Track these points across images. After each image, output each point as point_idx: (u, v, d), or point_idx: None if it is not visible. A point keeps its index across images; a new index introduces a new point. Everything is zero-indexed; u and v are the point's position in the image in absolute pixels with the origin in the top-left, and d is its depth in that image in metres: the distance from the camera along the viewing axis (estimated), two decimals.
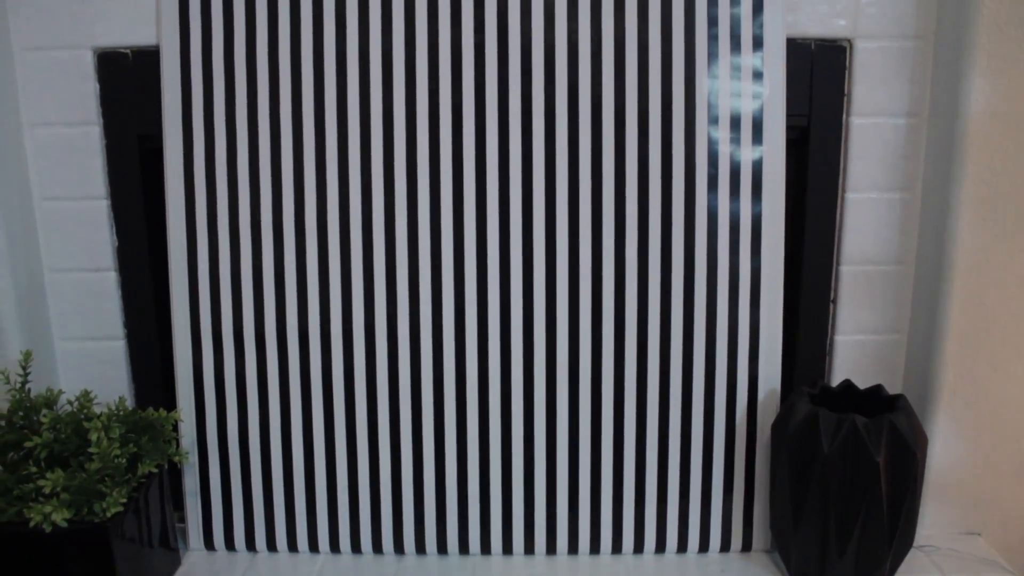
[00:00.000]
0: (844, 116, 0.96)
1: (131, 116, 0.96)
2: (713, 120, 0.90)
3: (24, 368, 0.89)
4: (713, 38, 0.90)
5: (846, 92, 0.95)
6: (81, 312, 1.00)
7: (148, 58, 0.94)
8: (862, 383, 0.96)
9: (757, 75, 0.90)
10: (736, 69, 0.90)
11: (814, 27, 0.94)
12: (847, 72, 0.95)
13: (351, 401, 0.95)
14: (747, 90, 0.91)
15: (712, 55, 0.90)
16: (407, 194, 0.91)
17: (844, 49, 0.94)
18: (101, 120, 0.97)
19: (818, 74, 0.94)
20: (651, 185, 0.91)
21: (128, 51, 0.95)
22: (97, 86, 0.96)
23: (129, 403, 1.01)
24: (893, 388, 1.01)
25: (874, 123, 0.96)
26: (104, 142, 0.97)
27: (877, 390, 0.92)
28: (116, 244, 0.99)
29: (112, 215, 0.98)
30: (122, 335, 1.01)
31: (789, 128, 0.93)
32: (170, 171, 0.93)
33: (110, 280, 1.00)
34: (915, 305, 0.99)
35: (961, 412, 0.96)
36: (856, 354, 1.01)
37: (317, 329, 0.93)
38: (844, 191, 0.97)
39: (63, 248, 0.99)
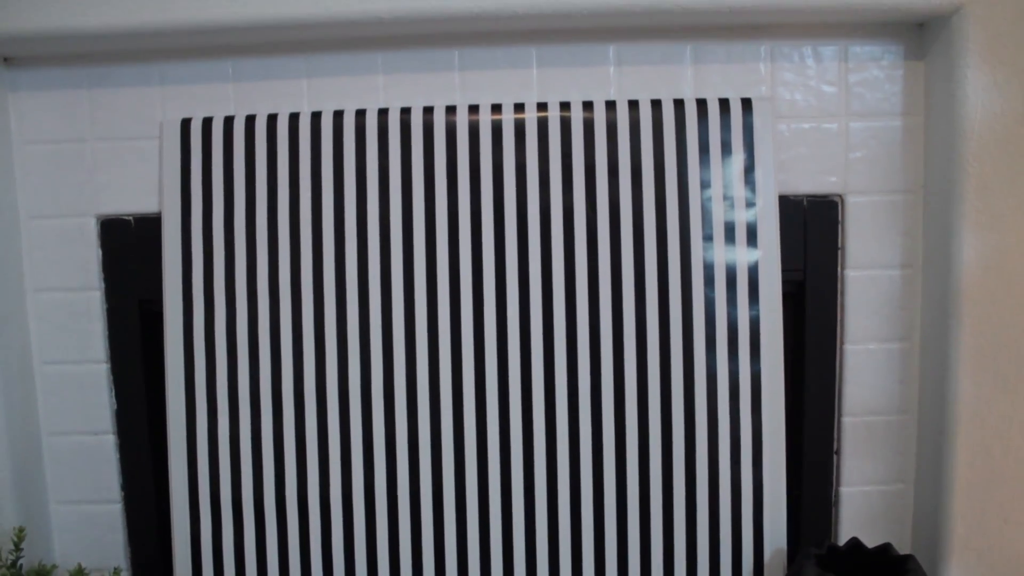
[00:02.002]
0: (839, 269, 0.96)
1: (132, 281, 0.97)
2: (709, 281, 0.91)
3: (17, 545, 0.88)
4: (707, 199, 0.91)
5: (840, 246, 0.96)
6: (78, 476, 1.00)
7: (150, 225, 0.96)
8: (870, 536, 0.95)
9: (751, 234, 0.92)
10: (730, 229, 0.91)
11: (805, 184, 0.95)
12: (840, 226, 0.96)
13: (351, 574, 0.93)
14: (742, 249, 0.92)
15: (706, 216, 0.91)
16: (405, 363, 0.91)
17: (836, 204, 0.96)
18: (103, 285, 0.98)
19: (811, 229, 0.96)
20: (649, 348, 0.91)
21: (131, 218, 0.97)
22: (100, 252, 0.97)
23: (125, 571, 0.99)
24: (902, 540, 0.99)
25: (869, 275, 0.96)
26: (105, 307, 0.98)
27: (886, 549, 0.91)
28: (115, 408, 0.99)
29: (112, 379, 0.98)
30: (119, 499, 1.00)
31: (785, 283, 0.94)
32: (170, 337, 0.93)
33: (108, 444, 0.99)
34: (920, 455, 0.98)
35: (974, 566, 0.94)
36: (862, 505, 0.99)
37: (317, 499, 0.92)
38: (842, 343, 0.97)
39: (62, 412, 0.99)
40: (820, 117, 0.95)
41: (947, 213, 0.91)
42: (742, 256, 0.91)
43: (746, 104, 0.92)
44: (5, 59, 0.96)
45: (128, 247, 0.97)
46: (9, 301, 0.95)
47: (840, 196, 0.96)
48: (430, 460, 0.92)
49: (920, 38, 0.94)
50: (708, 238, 0.91)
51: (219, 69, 0.94)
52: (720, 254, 0.91)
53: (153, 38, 0.89)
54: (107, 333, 0.98)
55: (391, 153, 0.91)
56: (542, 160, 0.91)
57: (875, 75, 0.95)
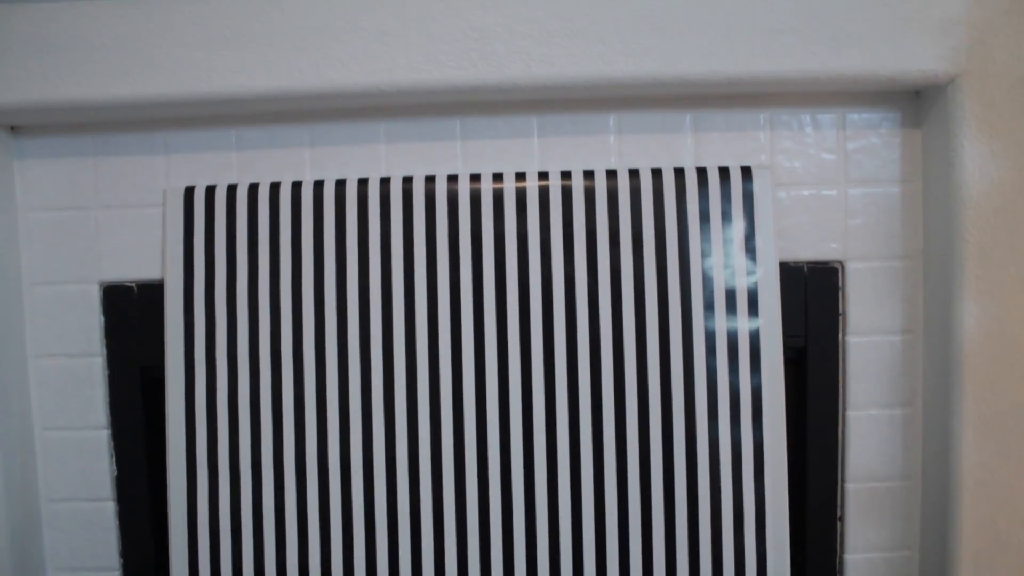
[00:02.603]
0: (840, 335, 0.96)
1: (134, 348, 0.97)
2: (711, 349, 0.91)
3: None
4: (708, 267, 0.91)
5: (841, 312, 0.96)
6: (77, 543, 0.99)
7: (152, 291, 0.96)
8: None
9: (753, 301, 0.92)
10: (731, 297, 0.92)
11: (806, 251, 0.96)
12: (840, 292, 0.96)
13: None
14: (743, 316, 0.92)
15: (707, 284, 0.91)
16: (408, 436, 0.91)
17: (836, 270, 0.96)
18: (104, 351, 0.98)
19: (812, 296, 0.96)
20: (651, 416, 0.91)
21: (133, 285, 0.97)
22: (102, 318, 0.97)
23: None
24: None
25: (870, 341, 0.96)
26: (107, 373, 0.98)
27: None
28: (115, 474, 0.98)
29: (112, 445, 0.98)
30: (118, 566, 0.99)
31: (786, 349, 0.94)
32: (171, 404, 0.93)
33: (108, 511, 0.99)
34: (924, 521, 0.97)
35: None
36: (867, 573, 0.99)
37: (318, 573, 0.92)
38: (844, 409, 0.97)
39: (62, 478, 0.99)
40: (819, 184, 0.95)
41: (947, 280, 0.91)
42: (743, 324, 0.91)
43: (746, 172, 0.92)
44: (12, 128, 0.96)
45: (130, 313, 0.97)
46: (11, 367, 0.95)
47: (840, 262, 0.96)
48: (431, 536, 0.91)
49: (917, 106, 0.95)
50: (709, 306, 0.91)
51: (223, 138, 0.95)
52: (722, 322, 0.91)
53: (158, 109, 0.90)
54: (108, 399, 0.98)
55: (393, 222, 0.92)
56: (544, 229, 0.91)
57: (873, 142, 0.95)
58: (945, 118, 0.91)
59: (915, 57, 0.88)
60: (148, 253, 0.96)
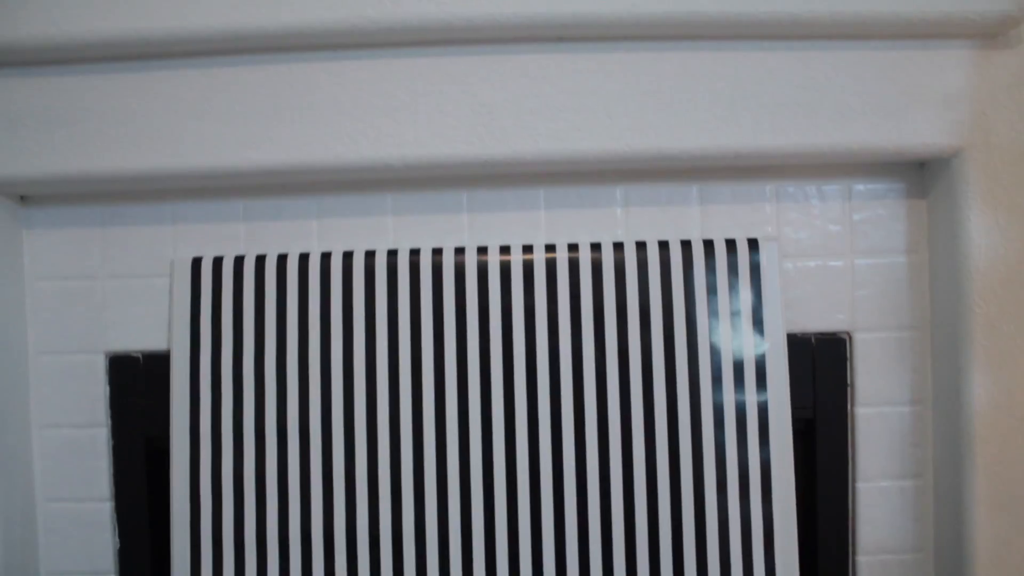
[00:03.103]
0: (849, 406, 0.96)
1: (139, 419, 0.96)
2: (719, 422, 0.91)
3: None
4: (715, 340, 0.91)
5: (849, 383, 0.96)
6: None
7: (159, 362, 0.96)
8: None
9: (760, 373, 0.91)
10: (739, 370, 0.91)
11: (813, 322, 0.95)
12: (848, 363, 0.96)
13: None
14: (751, 389, 0.91)
15: (715, 357, 0.91)
16: (414, 506, 0.90)
17: (844, 341, 0.96)
18: (109, 422, 0.97)
19: (820, 367, 0.95)
20: (660, 491, 0.90)
21: (139, 355, 0.97)
22: (107, 389, 0.97)
23: None
24: None
25: (879, 412, 0.96)
26: (111, 444, 0.97)
27: None
28: (118, 547, 0.97)
29: (115, 517, 0.97)
30: None
31: (795, 420, 0.93)
32: (176, 476, 0.93)
33: None
34: None
35: None
36: None
37: None
38: (854, 480, 0.96)
39: (63, 550, 0.98)
40: (826, 255, 0.95)
41: (955, 351, 0.91)
42: (751, 396, 0.91)
43: (752, 244, 0.92)
44: (22, 197, 0.97)
45: (136, 384, 0.96)
46: (14, 437, 0.95)
47: (848, 333, 0.96)
48: None
49: (921, 177, 0.96)
50: (717, 379, 0.91)
51: (231, 209, 0.96)
52: (730, 395, 0.91)
53: (166, 181, 0.91)
54: (112, 471, 0.97)
55: (400, 294, 0.92)
56: (551, 301, 0.91)
57: (879, 213, 0.96)
58: (950, 190, 0.91)
59: (919, 131, 0.89)
60: (155, 323, 0.96)
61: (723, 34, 0.87)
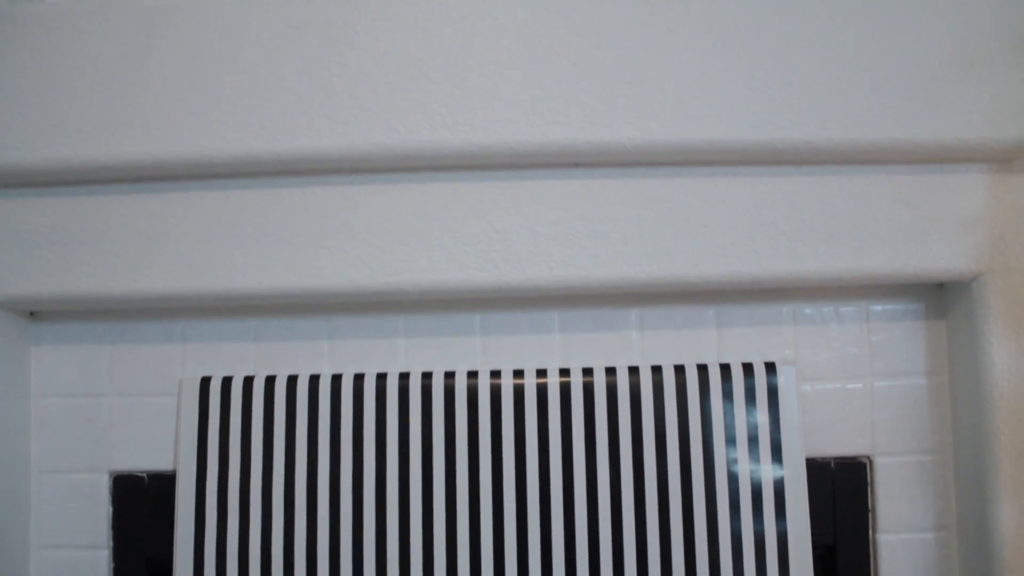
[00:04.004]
0: (871, 532, 0.93)
1: (142, 540, 0.94)
2: (737, 551, 0.88)
3: None
4: (733, 466, 0.89)
5: (870, 508, 0.94)
6: None
7: (164, 482, 0.94)
8: None
9: (780, 500, 0.89)
10: (758, 496, 0.89)
11: (832, 446, 0.94)
12: (869, 488, 0.94)
13: None
14: (770, 516, 0.89)
15: (732, 483, 0.89)
16: None
17: (864, 465, 0.94)
18: (111, 544, 0.95)
19: (840, 492, 0.93)
20: None
21: (144, 475, 0.95)
22: (110, 509, 0.95)
23: None
24: None
25: (902, 539, 0.93)
26: (112, 566, 0.95)
27: None
28: None
29: None
30: None
31: (815, 547, 0.91)
32: None
33: None
34: None
35: None
36: None
37: None
38: None
39: None
40: (844, 378, 0.94)
41: (980, 478, 0.88)
42: (770, 524, 0.89)
43: (770, 367, 0.91)
44: (31, 313, 0.96)
45: (140, 504, 0.94)
46: (12, 559, 0.92)
47: (868, 457, 0.94)
48: None
49: (940, 298, 0.95)
50: (735, 506, 0.89)
51: (241, 328, 0.95)
52: (748, 522, 0.88)
53: (177, 302, 0.90)
54: None
55: (412, 418, 0.90)
56: (564, 427, 0.90)
57: (897, 335, 0.94)
58: (970, 313, 0.90)
59: (938, 255, 0.88)
60: (161, 443, 0.95)
61: (740, 160, 0.87)
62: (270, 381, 0.92)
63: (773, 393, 0.91)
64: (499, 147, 0.84)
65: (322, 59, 0.85)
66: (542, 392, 0.90)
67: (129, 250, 0.89)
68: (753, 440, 0.90)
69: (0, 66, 0.87)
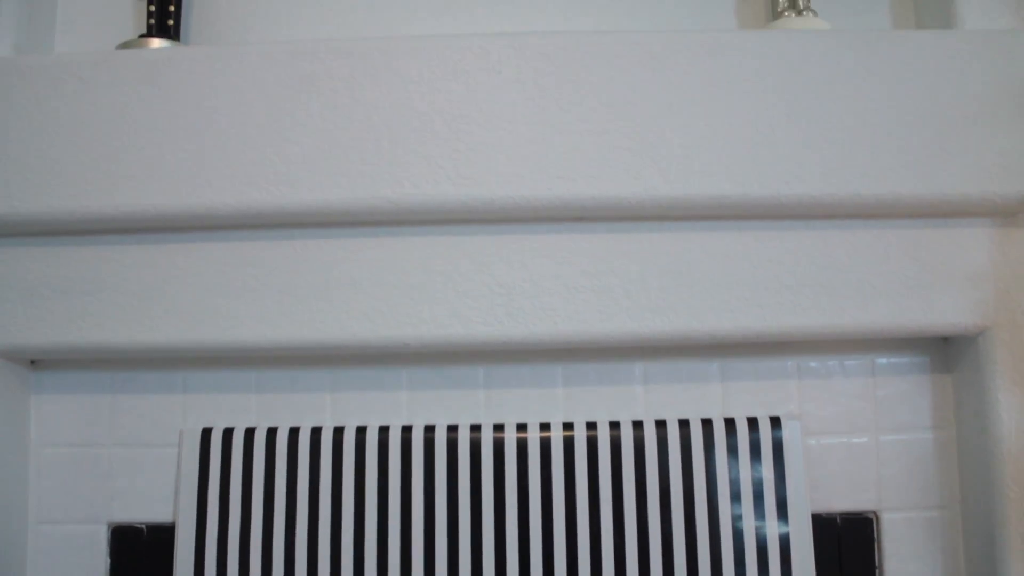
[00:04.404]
0: None
1: None
2: None
3: None
4: (737, 521, 0.88)
5: (877, 564, 0.93)
6: None
7: (163, 534, 0.93)
8: None
9: (785, 556, 0.88)
10: (763, 552, 0.88)
11: (838, 501, 0.93)
12: (876, 544, 0.93)
13: None
14: (776, 572, 0.88)
15: (737, 539, 0.88)
16: None
17: (871, 521, 0.93)
18: None
19: (846, 548, 0.92)
20: None
21: (143, 527, 0.94)
22: (108, 560, 0.94)
23: None
24: None
25: None
26: None
27: None
28: None
29: None
30: None
31: None
32: None
33: None
34: None
35: None
36: None
37: None
38: None
39: None
40: (850, 432, 0.93)
41: (989, 535, 0.87)
42: None
43: (775, 422, 0.90)
44: (32, 362, 0.96)
45: (138, 556, 0.93)
46: None
47: (875, 513, 0.93)
48: None
49: (945, 351, 0.94)
50: (740, 562, 0.88)
51: (243, 379, 0.94)
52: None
53: (179, 353, 0.89)
54: None
55: (414, 471, 0.90)
56: (568, 481, 0.89)
57: (903, 388, 0.94)
58: (977, 367, 0.89)
59: (943, 310, 0.88)
60: (161, 494, 0.94)
61: (744, 215, 0.87)
62: (271, 433, 0.92)
63: (778, 448, 0.90)
64: (503, 201, 0.84)
65: (326, 112, 0.86)
66: (546, 446, 0.90)
67: (131, 300, 0.88)
68: (758, 496, 0.89)
69: (5, 116, 0.87)
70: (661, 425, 0.90)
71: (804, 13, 0.91)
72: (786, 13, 0.93)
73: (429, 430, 0.91)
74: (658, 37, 0.86)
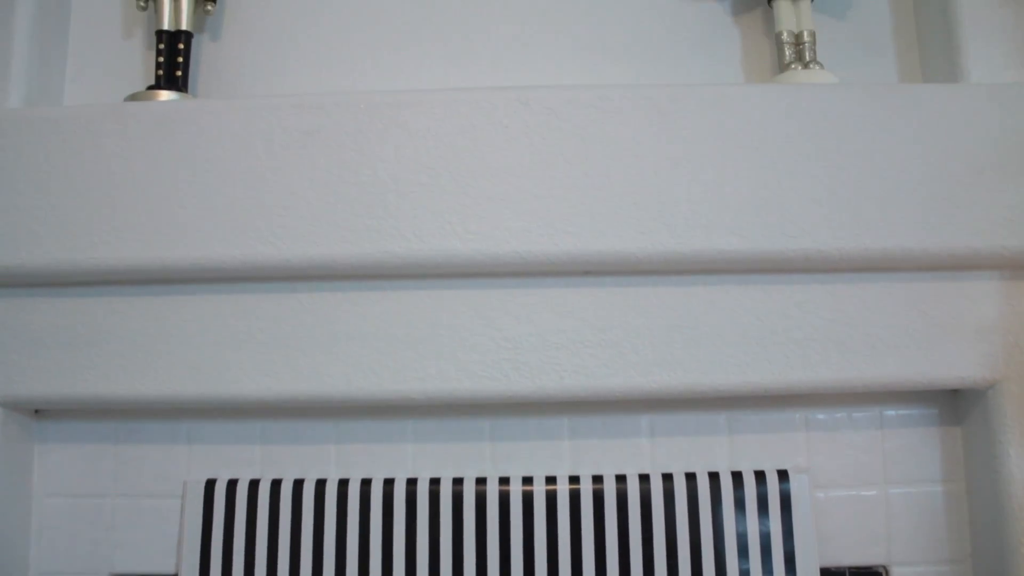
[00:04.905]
0: None
1: None
2: None
3: None
4: (745, 573, 0.87)
5: None
6: None
7: None
8: None
9: None
10: None
11: (847, 555, 0.92)
12: None
13: None
14: None
15: None
16: None
17: (880, 575, 0.92)
18: None
19: None
20: None
21: None
22: None
23: None
24: None
25: None
26: None
27: None
28: None
29: None
30: None
31: None
32: None
33: None
34: None
35: None
36: None
37: None
38: None
39: None
40: (859, 485, 0.92)
41: None
42: None
43: (782, 475, 0.90)
44: (36, 411, 0.95)
45: None
46: None
47: (884, 567, 0.92)
48: None
49: (955, 404, 0.94)
50: None
51: (247, 430, 0.94)
52: None
53: (183, 405, 0.89)
54: None
55: (419, 524, 0.89)
56: (574, 535, 0.88)
57: (912, 441, 0.93)
58: (986, 421, 0.89)
59: (952, 363, 0.87)
60: (163, 546, 0.93)
61: (751, 268, 0.86)
62: (276, 485, 0.91)
63: (786, 501, 0.89)
64: (509, 256, 0.84)
65: (332, 165, 0.86)
66: (551, 499, 0.89)
67: (135, 351, 0.88)
68: (766, 550, 0.88)
69: (14, 168, 0.87)
70: (668, 479, 0.90)
71: (811, 66, 0.92)
72: (792, 66, 0.93)
73: (434, 482, 0.90)
74: (664, 91, 0.86)
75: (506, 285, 0.87)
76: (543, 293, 0.87)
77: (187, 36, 0.96)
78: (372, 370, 0.86)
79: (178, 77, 0.95)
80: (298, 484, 0.91)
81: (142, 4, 0.96)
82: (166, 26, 0.95)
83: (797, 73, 0.91)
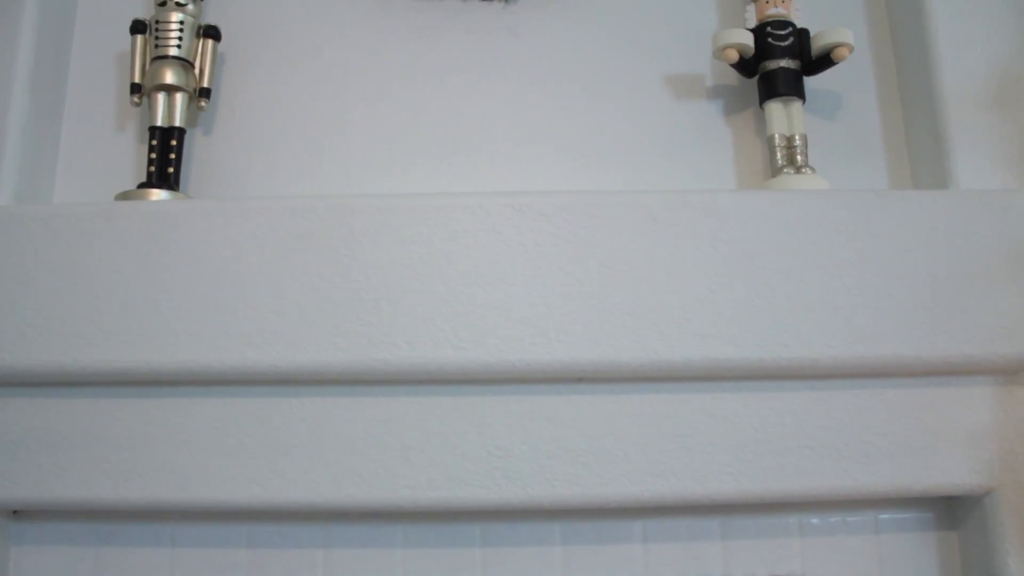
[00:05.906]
0: None
1: None
2: None
3: None
4: None
5: None
6: None
7: None
8: None
9: None
10: None
11: None
12: None
13: None
14: None
15: None
16: None
17: None
18: None
19: None
20: None
21: None
22: None
23: None
24: None
25: None
26: None
27: None
28: None
29: None
30: None
31: None
32: None
33: None
34: None
35: None
36: None
37: None
38: None
39: None
40: None
41: None
42: None
43: None
44: (14, 512, 0.93)
45: None
46: None
47: None
48: None
49: (950, 507, 0.93)
50: None
51: (233, 534, 0.92)
52: None
53: (167, 509, 0.87)
54: None
55: None
56: None
57: (907, 545, 0.92)
58: (983, 528, 0.88)
59: (948, 470, 0.86)
60: None
61: (745, 376, 0.86)
62: None
63: None
64: (502, 364, 0.83)
65: (324, 270, 0.85)
66: None
67: (120, 455, 0.86)
68: None
69: (1, 266, 0.86)
70: None
71: (803, 170, 0.92)
72: (785, 170, 0.93)
73: None
74: (657, 197, 0.87)
75: (498, 392, 0.86)
76: (535, 401, 0.86)
77: (180, 132, 0.96)
78: (361, 477, 0.85)
79: (170, 174, 0.94)
80: None
81: (136, 100, 0.96)
82: (159, 122, 0.95)
83: (790, 178, 0.92)
